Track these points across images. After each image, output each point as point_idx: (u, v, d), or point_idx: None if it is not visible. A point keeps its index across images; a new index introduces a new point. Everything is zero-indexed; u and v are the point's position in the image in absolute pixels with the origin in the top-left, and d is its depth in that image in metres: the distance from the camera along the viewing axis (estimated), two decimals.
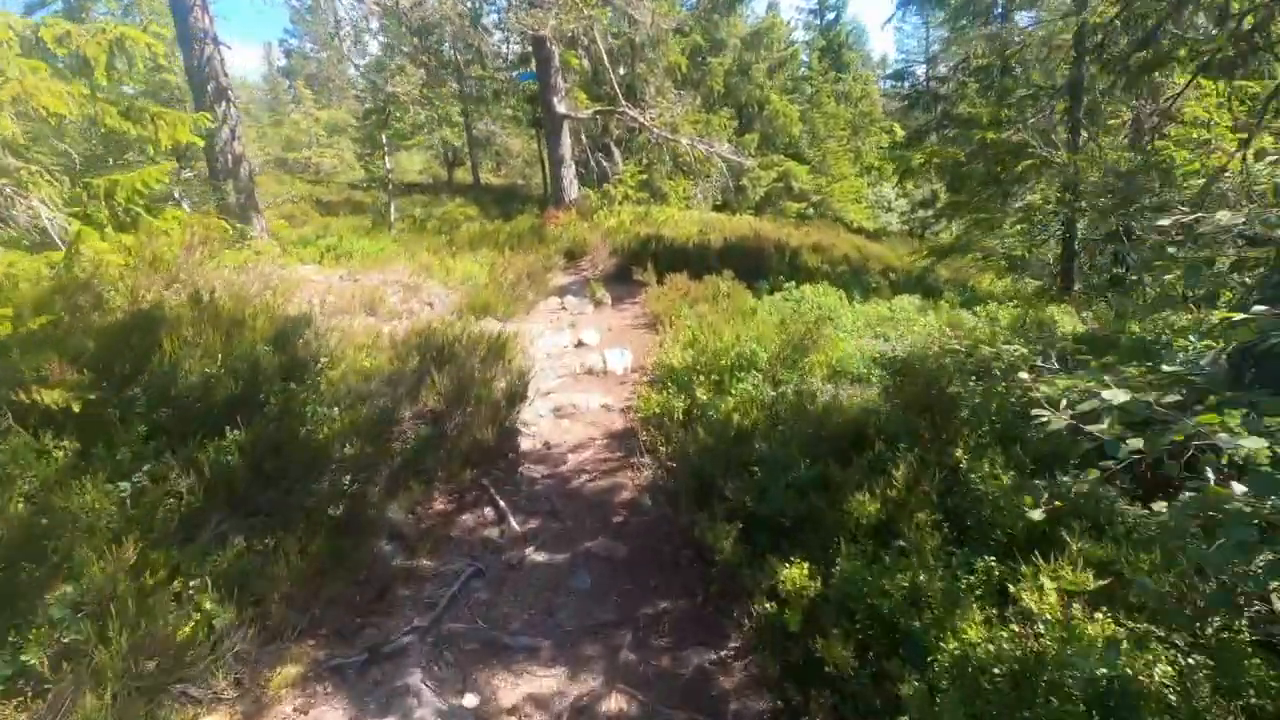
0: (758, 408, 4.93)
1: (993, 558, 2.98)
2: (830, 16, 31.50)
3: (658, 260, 11.37)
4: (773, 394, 5.11)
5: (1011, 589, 2.65)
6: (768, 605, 3.14)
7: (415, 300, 8.10)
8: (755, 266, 11.54)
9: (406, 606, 3.56)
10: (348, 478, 4.17)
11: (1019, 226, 11.09)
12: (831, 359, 5.98)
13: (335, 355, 5.21)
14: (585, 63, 17.01)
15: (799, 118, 21.09)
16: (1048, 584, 2.59)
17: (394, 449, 4.61)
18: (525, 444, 5.48)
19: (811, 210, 21.56)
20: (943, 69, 23.82)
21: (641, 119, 15.17)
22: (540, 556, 4.06)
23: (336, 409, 4.48)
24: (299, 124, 39.89)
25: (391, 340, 5.80)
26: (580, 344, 7.90)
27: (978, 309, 8.50)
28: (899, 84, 25.11)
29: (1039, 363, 5.21)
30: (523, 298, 9.39)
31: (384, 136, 12.55)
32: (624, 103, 15.30)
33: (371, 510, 4.15)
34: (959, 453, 3.66)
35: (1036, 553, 2.82)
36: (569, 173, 15.79)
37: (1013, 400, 4.27)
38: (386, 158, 12.65)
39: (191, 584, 2.89)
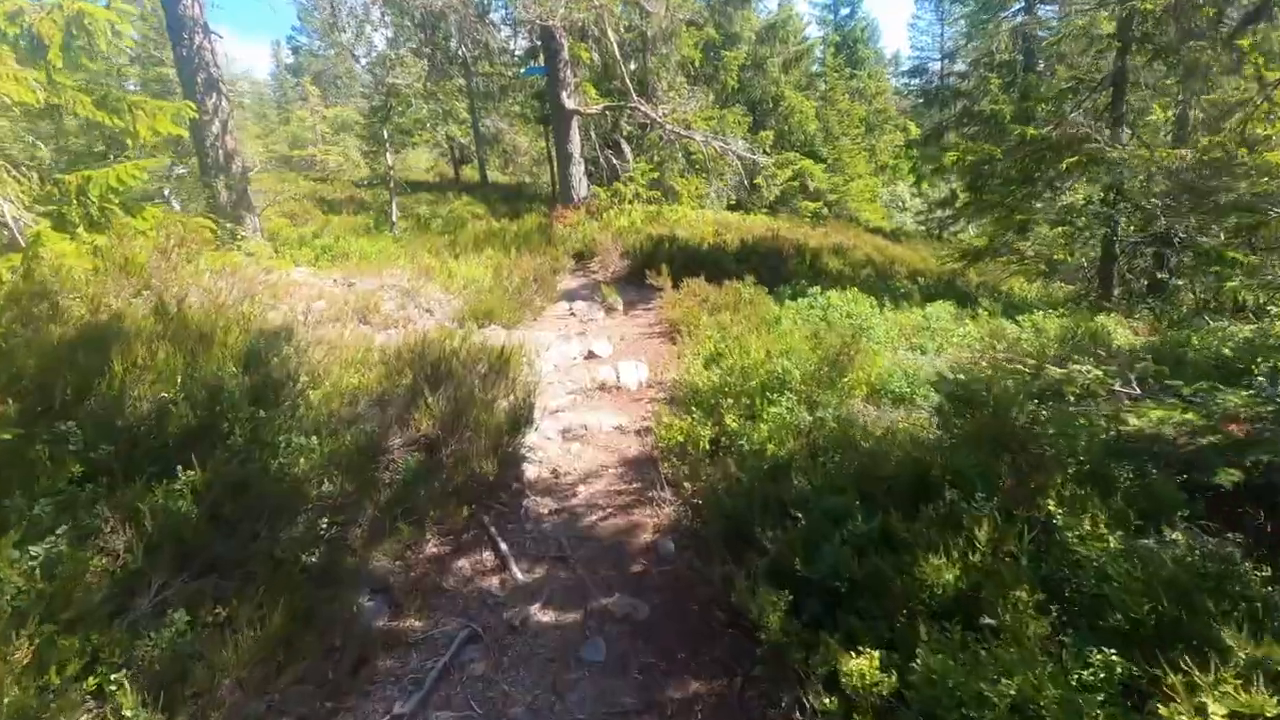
0: (793, 435, 4.34)
1: (1113, 650, 2.36)
2: (845, 12, 30.68)
3: (672, 262, 10.79)
4: (809, 419, 4.51)
5: (1162, 711, 2.04)
6: (827, 701, 2.54)
7: (413, 306, 7.54)
8: (775, 270, 10.93)
9: (387, 684, 2.98)
10: (325, 520, 3.60)
11: (1059, 228, 10.39)
12: (870, 376, 5.37)
13: (318, 373, 4.64)
14: (595, 56, 16.42)
15: (814, 114, 20.43)
16: (1213, 707, 1.98)
17: (381, 483, 4.05)
18: (530, 471, 4.90)
19: (826, 210, 20.90)
20: (961, 65, 23.09)
21: (653, 115, 14.56)
22: (547, 616, 3.48)
23: (316, 437, 3.91)
24: (305, 121, 39.60)
25: (384, 354, 5.23)
26: (591, 355, 7.32)
27: (1019, 318, 7.85)
28: (914, 81, 24.38)
29: (1116, 386, 4.59)
30: (529, 303, 8.82)
31: (385, 132, 11.99)
32: (635, 97, 14.70)
33: (351, 558, 3.58)
34: (1050, 504, 3.05)
35: (1180, 651, 2.20)
36: (578, 170, 15.21)
37: (1101, 434, 3.66)
38: (389, 154, 12.10)
39: (113, 677, 2.32)
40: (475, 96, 29.17)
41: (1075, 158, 8.85)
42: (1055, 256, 10.84)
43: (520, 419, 4.78)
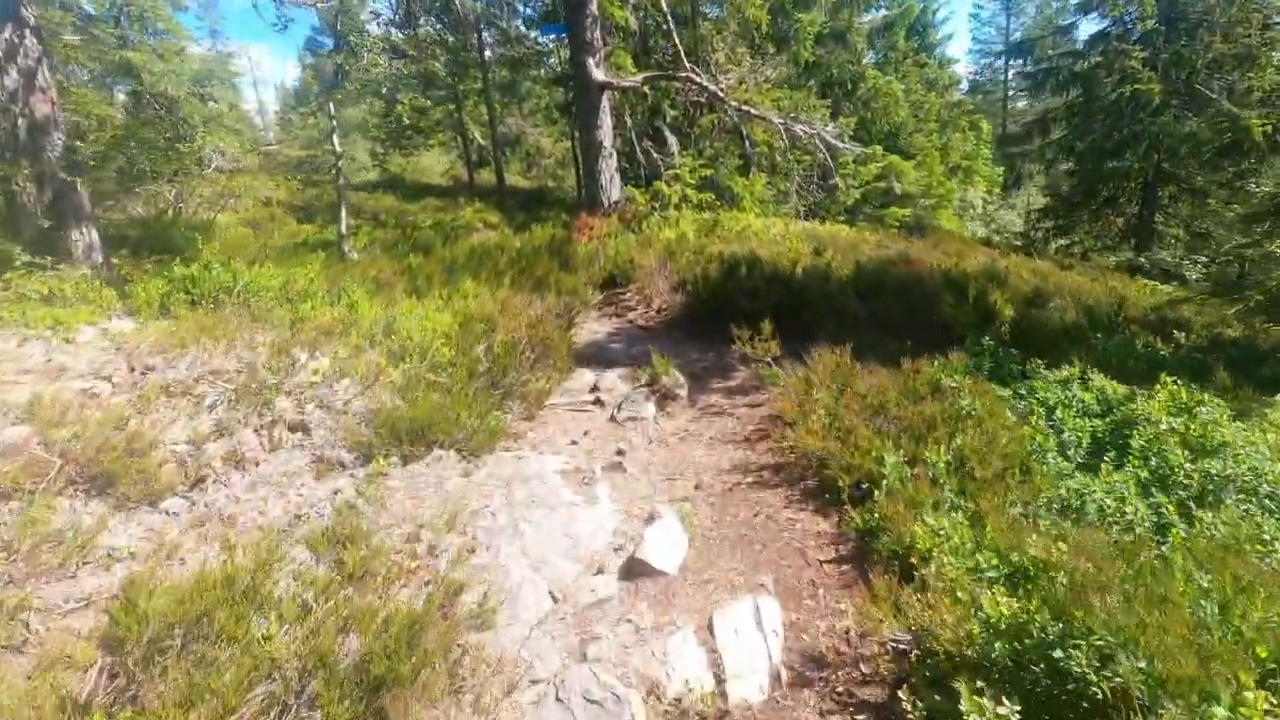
0: None
1: None
2: None
3: (757, 299, 6.66)
4: None
5: None
6: None
7: (259, 420, 3.50)
8: (923, 315, 6.71)
9: None
10: None
11: None
12: None
13: None
14: (631, 18, 12.35)
15: (902, 99, 16.08)
16: None
17: None
18: None
19: (910, 217, 16.55)
20: (1082, 39, 18.53)
21: (713, 88, 10.43)
22: None
23: None
24: (319, 123, 36.39)
25: None
26: (637, 569, 3.10)
27: None
28: (1019, 60, 19.86)
29: None
30: (516, 392, 4.72)
31: (331, 106, 8.08)
32: (687, 65, 10.58)
33: None
34: None
35: None
36: (609, 165, 11.14)
37: None
38: (335, 136, 8.15)
39: None
40: (492, 89, 25.41)
41: None
42: None
43: None
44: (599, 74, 10.66)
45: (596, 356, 6.41)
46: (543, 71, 23.65)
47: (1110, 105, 17.32)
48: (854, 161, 14.82)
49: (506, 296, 6.55)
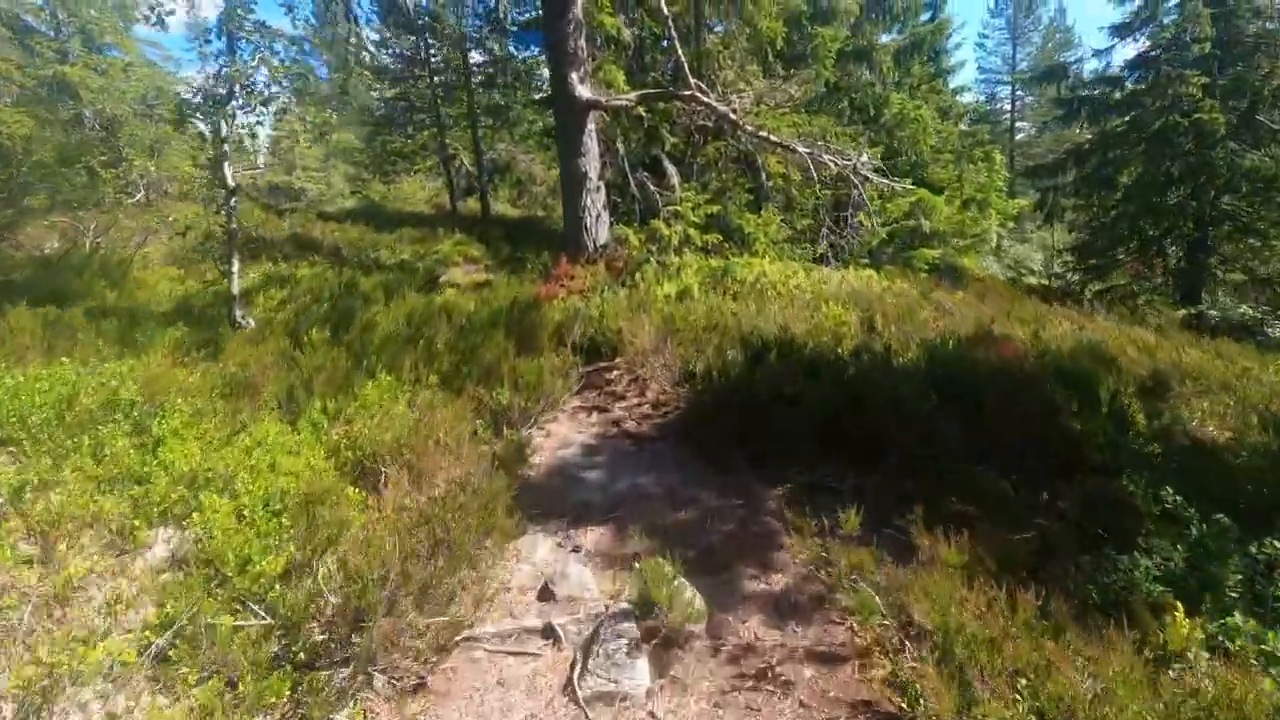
0: None
1: None
2: (925, 16, 24.35)
3: (796, 405, 4.50)
4: None
5: None
6: None
7: None
8: (1036, 429, 4.52)
9: None
10: None
11: None
12: None
13: None
14: (625, 29, 10.37)
15: (931, 126, 14.13)
16: None
17: None
18: None
19: (941, 259, 14.52)
20: (1118, 63, 16.70)
21: (723, 108, 8.38)
22: None
23: None
24: (308, 149, 34.52)
25: None
26: None
27: None
28: (1046, 84, 18.10)
29: None
30: (399, 641, 2.50)
31: (223, 124, 5.91)
32: (694, 83, 8.54)
33: None
34: None
35: None
36: (594, 201, 9.03)
37: None
38: (226, 166, 5.98)
39: None
40: (479, 112, 23.52)
41: None
42: None
43: None
44: (584, 91, 8.60)
45: (559, 499, 4.18)
46: (528, 92, 21.73)
47: (1155, 135, 15.49)
48: (880, 197, 12.79)
49: (430, 406, 4.34)
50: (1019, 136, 40.07)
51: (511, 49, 23.43)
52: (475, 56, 22.86)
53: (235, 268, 6.22)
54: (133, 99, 15.10)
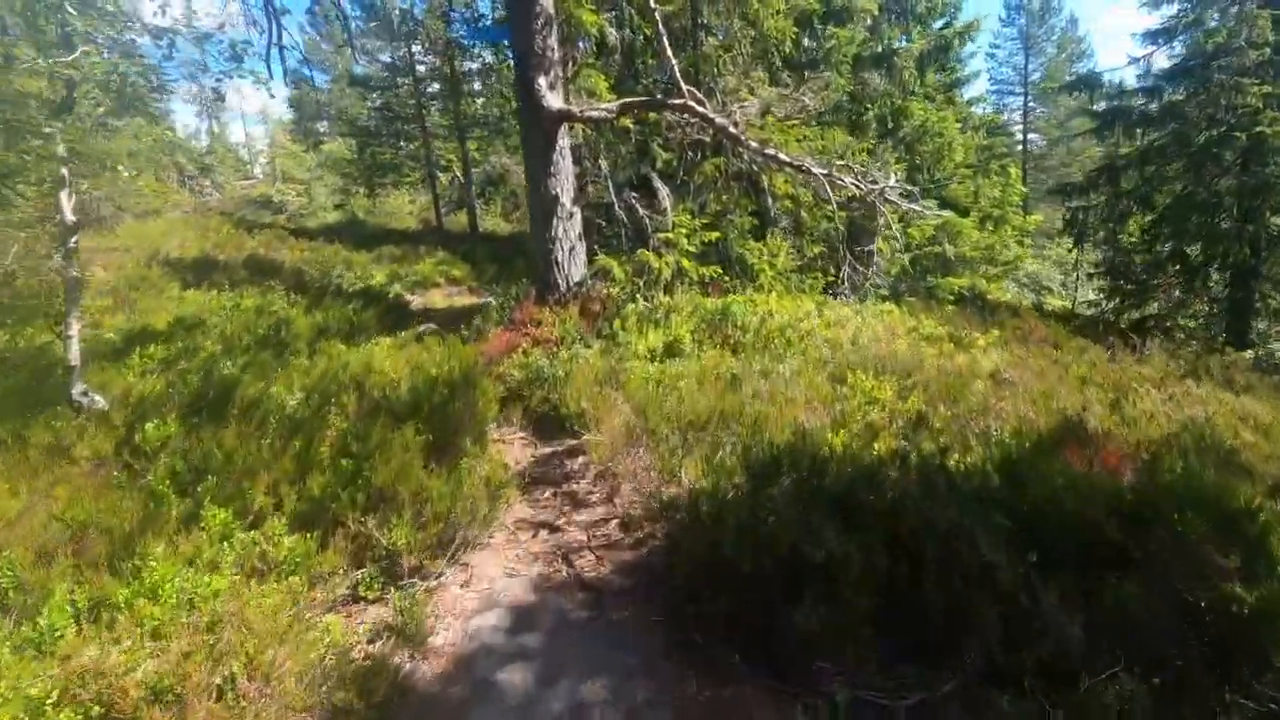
0: None
1: None
2: (940, 23, 22.86)
3: (830, 579, 2.89)
4: None
5: None
6: None
7: None
8: (1199, 619, 2.91)
9: None
10: None
11: None
12: None
13: None
14: (609, 28, 8.84)
15: (957, 139, 12.54)
16: None
17: None
18: None
19: (968, 288, 12.91)
20: (1158, 70, 15.09)
21: (722, 120, 6.82)
22: None
23: None
24: (303, 159, 33.17)
25: None
26: None
27: None
28: (1081, 93, 16.53)
29: None
30: None
31: (59, 142, 4.44)
32: (685, 89, 6.98)
33: None
34: None
35: None
36: (568, 231, 7.46)
37: None
38: (64, 194, 4.51)
39: None
40: (468, 123, 22.08)
41: None
42: None
43: None
44: (553, 100, 7.05)
45: None
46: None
47: (1200, 150, 13.93)
48: (900, 220, 11.23)
49: (264, 571, 2.76)
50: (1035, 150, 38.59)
51: (507, 55, 21.79)
52: (468, 65, 21.47)
53: (74, 330, 4.63)
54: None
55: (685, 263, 8.58)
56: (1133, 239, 16.02)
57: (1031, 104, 39.67)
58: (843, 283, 6.48)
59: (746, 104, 7.43)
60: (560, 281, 7.38)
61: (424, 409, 4.50)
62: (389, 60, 21.77)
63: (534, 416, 6.08)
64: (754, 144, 6.81)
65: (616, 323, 6.81)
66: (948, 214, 11.54)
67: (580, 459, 5.27)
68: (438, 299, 14.84)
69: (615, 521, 4.29)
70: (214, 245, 15.33)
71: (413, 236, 21.52)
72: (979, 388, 5.31)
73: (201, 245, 14.86)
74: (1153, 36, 15.53)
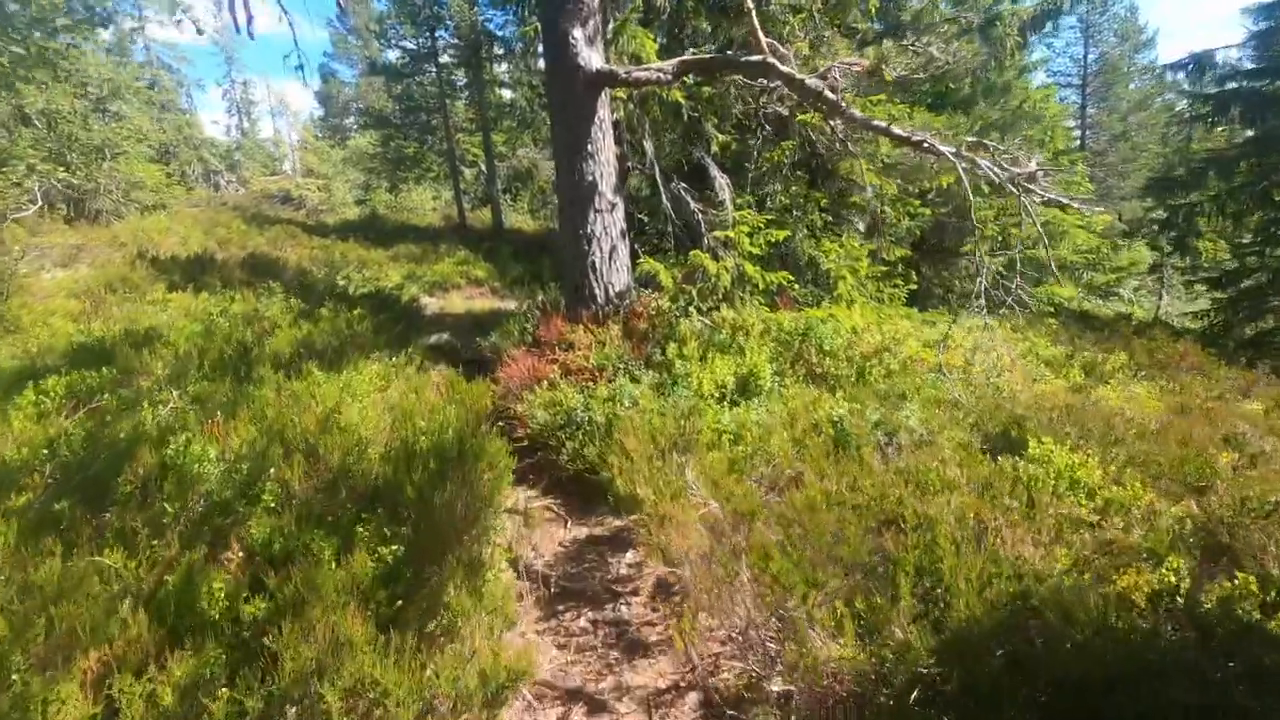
0: None
1: None
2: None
3: None
4: None
5: None
6: None
7: None
8: None
9: None
10: None
11: None
12: None
13: None
14: None
15: (1061, 117, 10.55)
16: None
17: None
18: None
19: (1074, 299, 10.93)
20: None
21: (816, 84, 5.09)
22: None
23: None
24: (329, 154, 32.15)
25: None
26: None
27: None
28: (1186, 75, 14.33)
29: None
30: None
31: None
32: (765, 43, 5.28)
33: None
34: None
35: None
36: (609, 225, 5.80)
37: None
38: None
39: None
40: (489, 110, 20.54)
41: None
42: None
43: None
44: (592, 56, 5.40)
45: None
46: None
47: None
48: (998, 217, 9.40)
49: None
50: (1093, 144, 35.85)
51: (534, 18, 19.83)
52: (496, 51, 19.94)
53: None
54: (71, 90, 12.37)
55: (749, 268, 6.87)
56: (1242, 241, 13.86)
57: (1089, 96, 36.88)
58: (977, 297, 4.86)
59: (849, 61, 5.68)
60: (598, 291, 5.73)
61: (403, 492, 2.89)
62: (413, 46, 20.30)
63: (563, 478, 4.46)
64: (858, 114, 5.07)
65: (670, 347, 5.14)
66: (1053, 209, 9.64)
67: (629, 555, 3.63)
68: (456, 302, 13.42)
69: (695, 696, 2.62)
70: (217, 242, 14.05)
71: (433, 234, 20.14)
72: (1223, 461, 3.51)
73: (203, 242, 13.57)
74: (1268, 10, 13.35)
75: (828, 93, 4.99)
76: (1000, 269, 9.70)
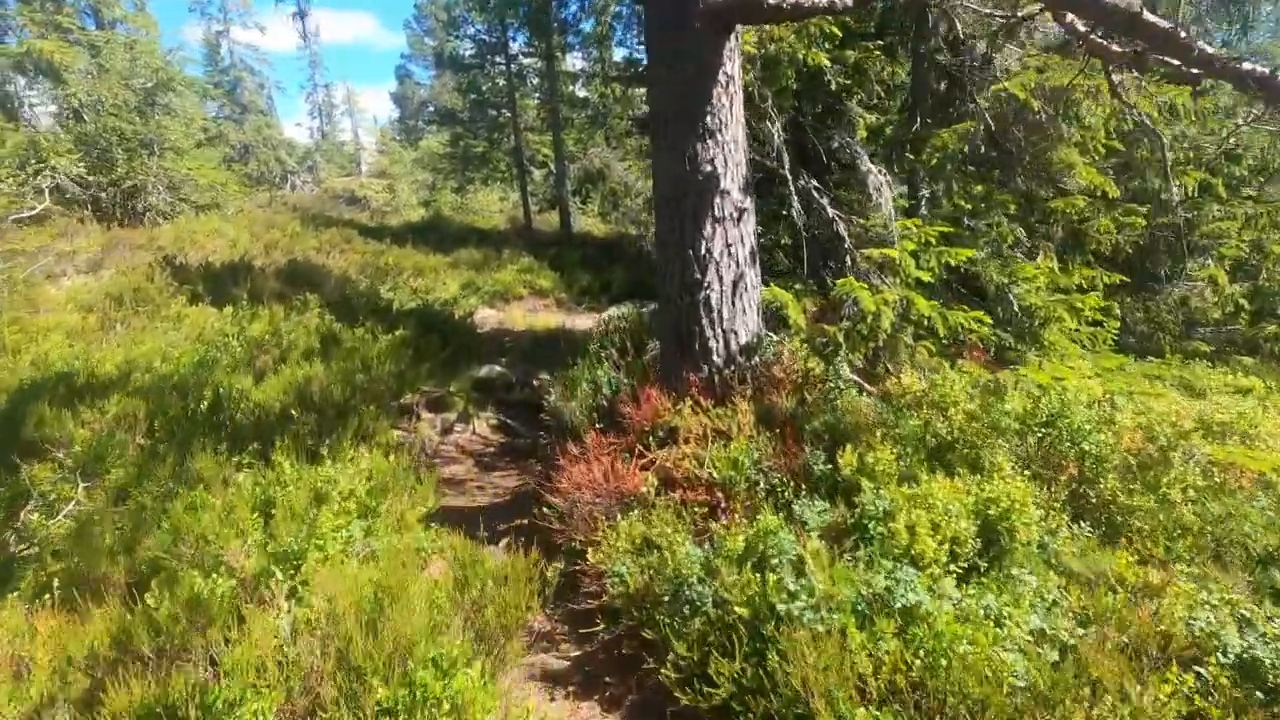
0: None
1: None
2: None
3: None
4: None
5: None
6: None
7: None
8: None
9: None
10: None
11: None
12: None
13: None
14: None
15: None
16: None
17: None
18: None
19: None
20: None
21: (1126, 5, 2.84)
22: None
23: None
24: (401, 155, 31.60)
25: None
26: None
27: None
28: None
29: None
30: None
31: None
32: None
33: None
34: None
35: None
36: (733, 243, 3.70)
37: None
38: None
39: None
40: (559, 103, 18.84)
41: None
42: None
43: None
44: None
45: None
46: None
47: None
48: (1239, 229, 6.77)
49: None
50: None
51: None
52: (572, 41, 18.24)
53: None
54: (116, 81, 11.33)
55: (919, 302, 4.62)
56: None
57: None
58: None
59: None
60: (714, 343, 3.64)
61: None
62: (483, 36, 18.90)
63: (663, 688, 2.42)
64: (1207, 49, 2.79)
65: (847, 453, 2.99)
66: None
67: None
68: (517, 316, 11.76)
69: None
70: (265, 245, 12.84)
71: (497, 238, 18.65)
72: None
73: (248, 246, 12.38)
74: None
75: (1151, 18, 2.73)
76: (1242, 298, 7.08)
